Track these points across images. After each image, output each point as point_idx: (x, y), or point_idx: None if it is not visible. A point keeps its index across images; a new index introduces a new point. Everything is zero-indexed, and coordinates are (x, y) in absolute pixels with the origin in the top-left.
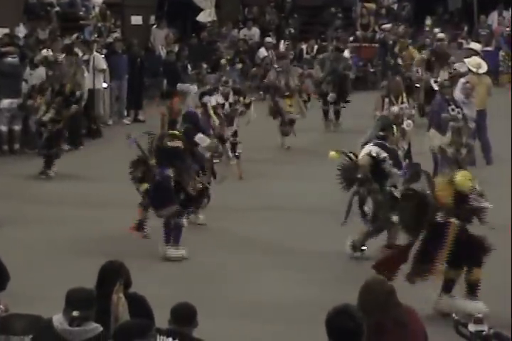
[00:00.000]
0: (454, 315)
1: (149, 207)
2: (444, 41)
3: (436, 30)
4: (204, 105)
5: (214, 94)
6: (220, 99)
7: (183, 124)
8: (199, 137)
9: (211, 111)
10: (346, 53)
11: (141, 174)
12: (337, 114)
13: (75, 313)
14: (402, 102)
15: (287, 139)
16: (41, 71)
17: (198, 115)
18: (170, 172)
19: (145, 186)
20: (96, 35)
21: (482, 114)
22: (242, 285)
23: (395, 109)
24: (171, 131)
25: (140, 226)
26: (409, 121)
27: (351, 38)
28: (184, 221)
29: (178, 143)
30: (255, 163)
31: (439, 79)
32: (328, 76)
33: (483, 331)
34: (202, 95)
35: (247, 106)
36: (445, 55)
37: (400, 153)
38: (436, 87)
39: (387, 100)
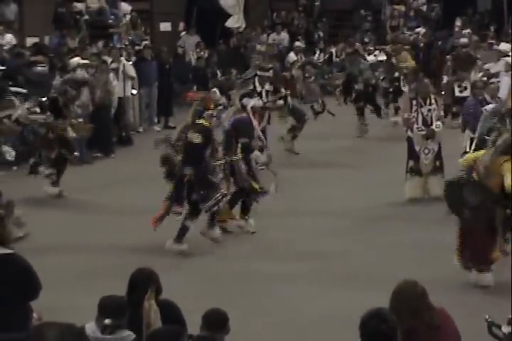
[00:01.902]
0: (487, 316)
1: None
2: (467, 47)
3: (466, 31)
4: (244, 107)
5: (254, 96)
6: (259, 102)
7: (240, 137)
8: (256, 155)
9: (251, 114)
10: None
11: (169, 172)
12: (377, 111)
13: (108, 321)
14: (431, 104)
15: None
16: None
17: (251, 122)
18: (188, 170)
19: (172, 185)
20: (127, 43)
21: None
22: (278, 292)
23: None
24: (198, 121)
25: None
26: (439, 123)
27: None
28: (190, 223)
29: (197, 138)
30: (282, 168)
31: (463, 84)
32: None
33: None
34: (242, 97)
35: (284, 99)
36: (469, 59)
37: (430, 155)
38: (458, 92)
39: (415, 102)
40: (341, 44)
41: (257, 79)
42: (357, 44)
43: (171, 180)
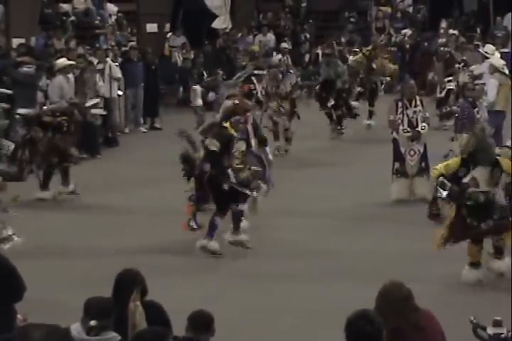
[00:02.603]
0: (472, 318)
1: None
2: (446, 47)
3: (452, 31)
4: None
5: None
6: None
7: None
8: None
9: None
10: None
11: (189, 170)
12: (338, 119)
13: (93, 323)
14: (416, 105)
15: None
16: (59, 80)
17: None
18: (208, 167)
19: (191, 183)
20: (113, 44)
21: (502, 115)
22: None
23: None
24: (224, 124)
25: (190, 223)
26: (424, 124)
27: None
28: (219, 220)
29: (213, 146)
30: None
31: (443, 86)
32: (321, 82)
33: (501, 334)
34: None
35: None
36: (448, 59)
37: (416, 156)
38: (438, 93)
39: (400, 104)
40: (324, 45)
41: (255, 78)
42: (336, 47)
43: (190, 178)
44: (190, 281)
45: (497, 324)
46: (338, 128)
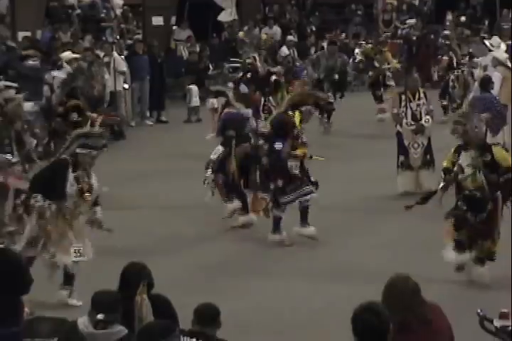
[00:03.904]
0: (479, 310)
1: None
2: (447, 39)
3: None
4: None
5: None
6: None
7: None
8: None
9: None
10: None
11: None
12: (329, 113)
13: (100, 316)
14: (420, 98)
15: None
16: (64, 73)
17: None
18: (264, 159)
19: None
20: (118, 37)
21: (506, 109)
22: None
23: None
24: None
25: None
26: (428, 117)
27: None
28: (278, 212)
29: (266, 128)
30: None
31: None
32: (325, 74)
33: (508, 326)
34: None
35: None
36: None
37: (420, 149)
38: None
39: (404, 97)
40: (330, 35)
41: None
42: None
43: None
44: (196, 276)
45: (504, 316)
46: (326, 121)
